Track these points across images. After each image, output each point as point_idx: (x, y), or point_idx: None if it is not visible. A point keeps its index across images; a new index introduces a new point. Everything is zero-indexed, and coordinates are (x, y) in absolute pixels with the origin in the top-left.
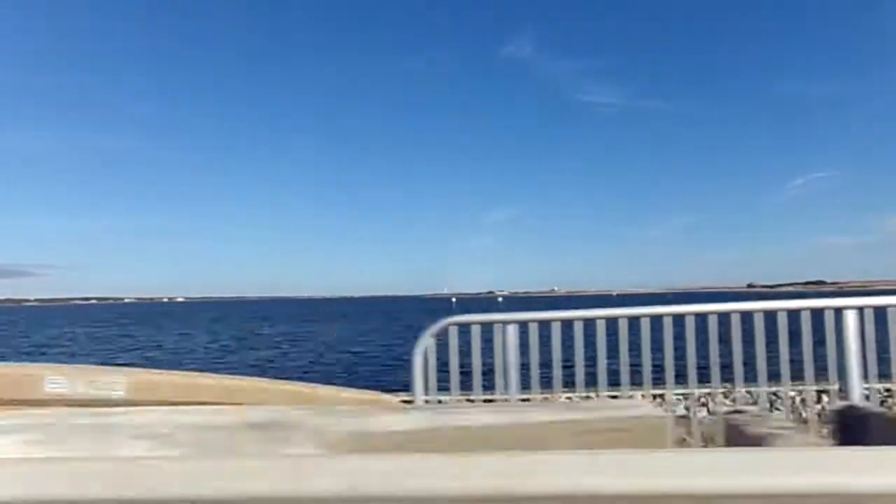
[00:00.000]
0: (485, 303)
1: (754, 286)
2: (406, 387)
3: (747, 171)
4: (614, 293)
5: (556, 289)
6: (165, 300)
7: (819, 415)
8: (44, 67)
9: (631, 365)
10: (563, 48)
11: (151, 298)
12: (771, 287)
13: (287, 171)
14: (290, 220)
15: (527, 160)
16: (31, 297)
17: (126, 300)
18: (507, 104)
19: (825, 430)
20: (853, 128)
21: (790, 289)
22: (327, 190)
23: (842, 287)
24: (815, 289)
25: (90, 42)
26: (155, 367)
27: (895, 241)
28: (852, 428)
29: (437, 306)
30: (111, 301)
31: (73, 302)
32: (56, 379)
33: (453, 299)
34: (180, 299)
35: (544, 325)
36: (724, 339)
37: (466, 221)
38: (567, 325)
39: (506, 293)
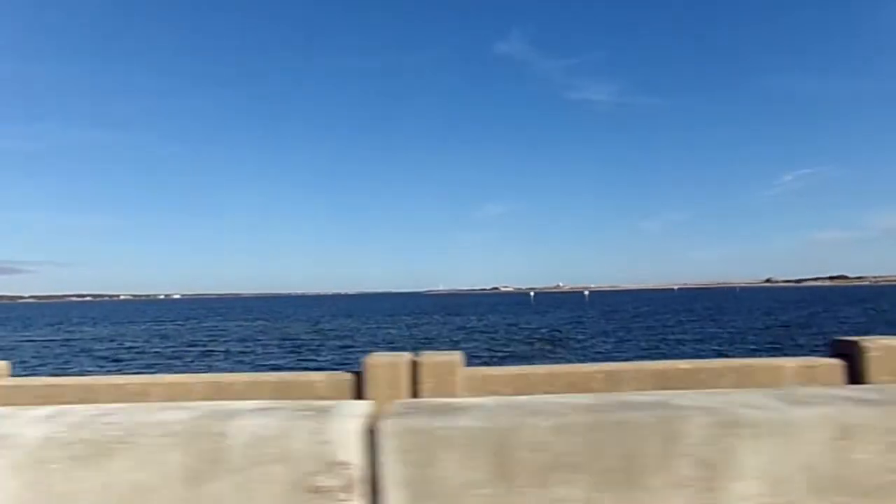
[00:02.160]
0: (494, 297)
1: (774, 281)
2: None
3: (736, 166)
4: (675, 287)
5: (560, 284)
6: (162, 297)
7: None
8: (38, 62)
9: None
10: (554, 46)
11: (147, 295)
12: (797, 282)
13: (283, 168)
14: (286, 217)
15: (520, 156)
16: (26, 294)
17: (122, 297)
18: (501, 101)
19: None
20: (840, 124)
21: (813, 283)
22: (323, 187)
23: (876, 281)
24: (839, 283)
25: (83, 38)
26: None
27: (887, 237)
28: None
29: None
30: (106, 298)
31: (68, 299)
32: None
33: (532, 293)
34: (177, 296)
35: None
36: None
37: (460, 218)
38: None
39: (510, 289)
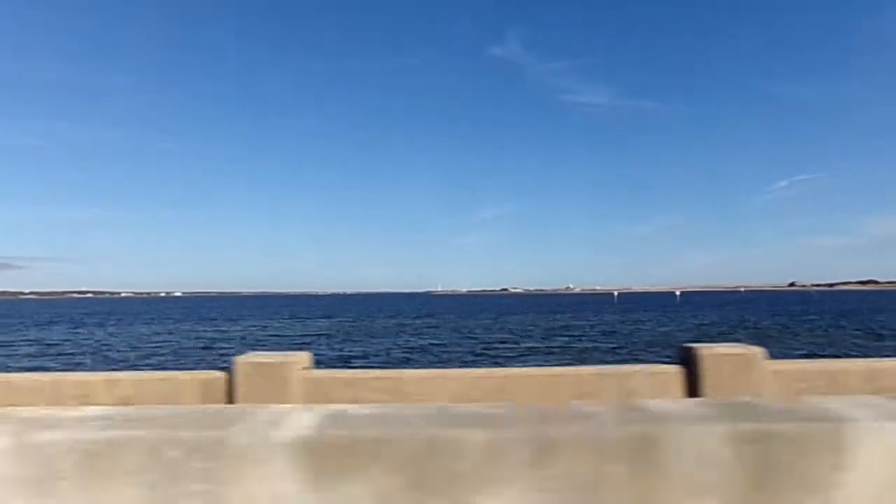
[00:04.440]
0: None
1: (803, 286)
2: None
3: (733, 171)
4: (742, 289)
5: (570, 286)
6: (163, 294)
7: None
8: (35, 60)
9: None
10: (550, 48)
11: (149, 293)
12: (829, 286)
13: (283, 168)
14: (286, 216)
15: (516, 159)
16: (27, 290)
17: (123, 294)
18: (496, 104)
19: None
20: (836, 130)
21: (843, 287)
22: (322, 186)
23: None
24: (871, 288)
25: (81, 34)
26: None
27: (878, 243)
28: None
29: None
30: (107, 295)
31: (69, 295)
32: None
33: (677, 293)
34: (178, 294)
35: None
36: None
37: (457, 220)
38: None
39: (520, 290)
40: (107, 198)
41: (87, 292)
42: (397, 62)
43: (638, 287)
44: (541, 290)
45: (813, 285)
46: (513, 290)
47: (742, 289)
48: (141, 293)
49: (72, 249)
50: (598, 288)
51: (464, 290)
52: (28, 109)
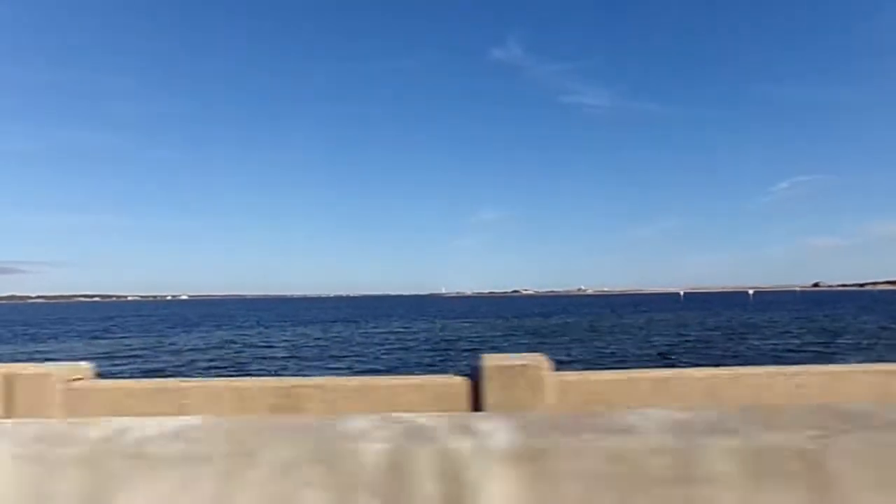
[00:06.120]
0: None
1: (830, 286)
2: None
3: (733, 173)
4: (797, 289)
5: (582, 287)
6: (169, 298)
7: None
8: (37, 64)
9: None
10: (550, 51)
11: (155, 296)
12: (861, 286)
13: (285, 172)
14: (289, 220)
15: (516, 160)
16: (34, 294)
17: (129, 298)
18: (498, 105)
19: None
20: (835, 132)
21: (872, 288)
22: (323, 190)
23: None
24: None
25: (84, 38)
26: None
27: (879, 244)
28: None
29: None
30: (114, 299)
31: (76, 299)
32: None
33: (750, 292)
34: (184, 297)
35: None
36: None
37: (458, 222)
38: None
39: (532, 292)
40: (110, 203)
41: (94, 296)
42: (398, 65)
43: (649, 289)
44: (553, 292)
45: (840, 285)
46: (524, 292)
47: (797, 288)
48: (147, 297)
49: (76, 254)
50: (606, 289)
51: (469, 291)
52: (31, 114)
